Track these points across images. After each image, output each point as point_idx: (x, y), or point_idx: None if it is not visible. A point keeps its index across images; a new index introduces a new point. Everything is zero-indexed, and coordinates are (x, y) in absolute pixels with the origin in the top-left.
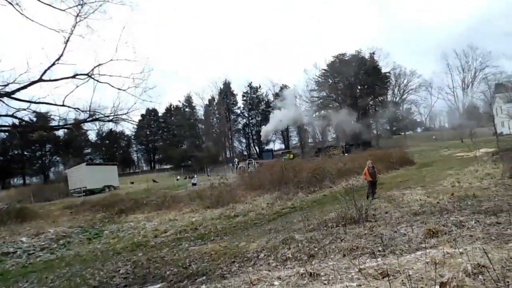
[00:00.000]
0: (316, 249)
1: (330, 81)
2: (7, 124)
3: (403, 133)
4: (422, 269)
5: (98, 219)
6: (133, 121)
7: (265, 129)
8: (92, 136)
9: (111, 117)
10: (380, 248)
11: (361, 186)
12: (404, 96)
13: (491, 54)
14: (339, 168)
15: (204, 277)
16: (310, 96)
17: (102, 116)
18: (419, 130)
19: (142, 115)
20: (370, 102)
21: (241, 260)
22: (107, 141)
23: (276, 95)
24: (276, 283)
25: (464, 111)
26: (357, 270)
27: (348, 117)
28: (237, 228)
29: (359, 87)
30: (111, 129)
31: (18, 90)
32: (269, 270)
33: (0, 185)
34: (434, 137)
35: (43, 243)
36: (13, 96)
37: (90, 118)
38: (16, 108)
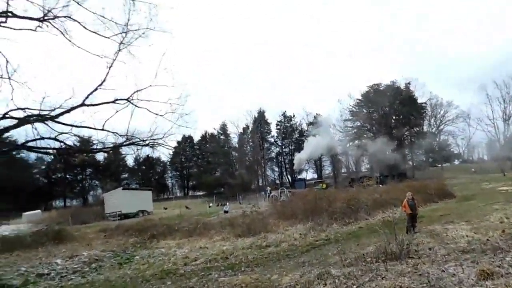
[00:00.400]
0: (355, 286)
1: (365, 111)
2: (50, 146)
3: (439, 165)
4: None
5: (131, 243)
6: (169, 146)
7: (298, 157)
8: (130, 161)
9: (147, 142)
10: None
11: (399, 219)
12: (441, 127)
13: None
14: (374, 199)
15: None
16: (344, 125)
17: (139, 140)
18: (456, 162)
19: (178, 142)
20: (406, 133)
21: None
22: (144, 167)
23: (310, 124)
24: None
25: (505, 142)
26: None
27: (384, 146)
28: (269, 259)
29: (394, 117)
30: (148, 154)
31: (62, 114)
32: None
33: (43, 207)
34: (473, 169)
35: (76, 266)
36: (56, 120)
37: (127, 142)
38: (58, 132)
